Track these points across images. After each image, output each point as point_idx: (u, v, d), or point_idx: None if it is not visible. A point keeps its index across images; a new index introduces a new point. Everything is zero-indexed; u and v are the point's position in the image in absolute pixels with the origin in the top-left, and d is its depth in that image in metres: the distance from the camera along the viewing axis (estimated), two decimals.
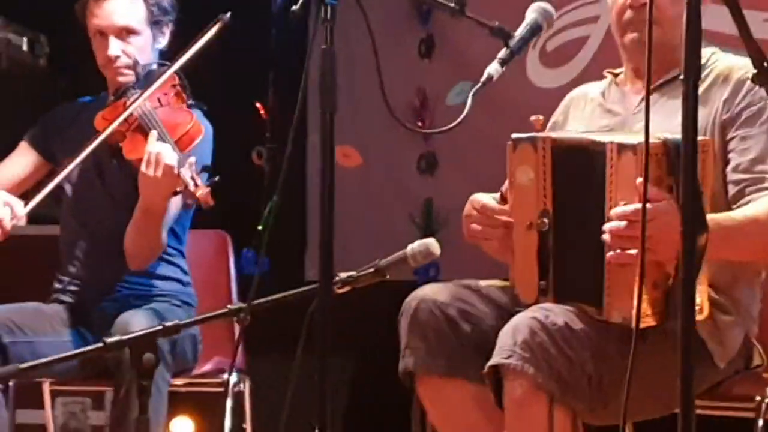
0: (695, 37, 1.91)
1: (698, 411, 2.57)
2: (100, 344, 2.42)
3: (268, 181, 4.97)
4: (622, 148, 2.37)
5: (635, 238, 2.28)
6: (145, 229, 3.31)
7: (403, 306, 2.63)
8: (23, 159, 3.57)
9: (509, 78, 4.88)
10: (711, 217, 2.24)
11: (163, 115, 3.30)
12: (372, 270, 2.60)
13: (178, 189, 3.07)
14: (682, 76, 1.90)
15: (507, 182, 2.66)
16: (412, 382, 2.61)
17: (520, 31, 2.66)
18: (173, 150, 3.14)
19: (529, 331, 2.38)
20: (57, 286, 3.53)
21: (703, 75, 2.70)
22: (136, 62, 3.43)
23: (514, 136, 2.62)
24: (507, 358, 2.38)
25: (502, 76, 4.96)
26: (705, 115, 2.62)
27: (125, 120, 3.29)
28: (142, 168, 3.13)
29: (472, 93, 2.58)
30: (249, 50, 4.78)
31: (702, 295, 2.37)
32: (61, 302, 3.50)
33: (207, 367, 3.52)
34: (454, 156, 4.87)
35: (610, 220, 2.38)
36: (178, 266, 3.51)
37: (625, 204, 2.35)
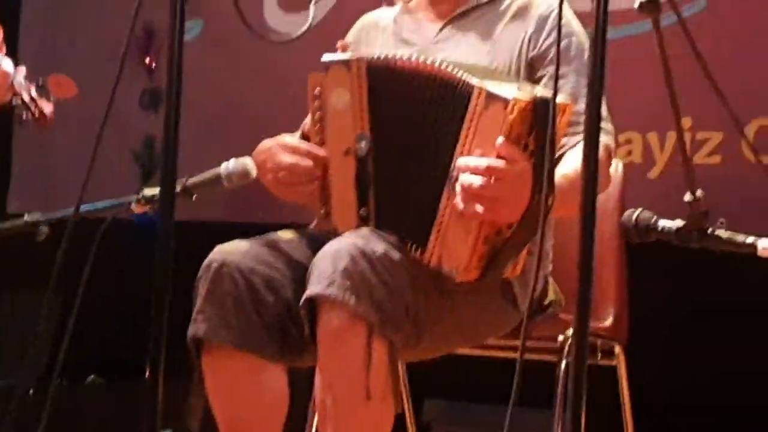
0: None
1: (501, 354, 2.61)
2: None
3: None
4: (492, 98, 2.23)
5: (485, 198, 2.20)
6: None
7: (204, 266, 2.41)
8: None
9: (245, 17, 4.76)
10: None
11: None
12: (179, 188, 2.42)
13: (14, 102, 2.87)
14: None
15: (308, 118, 2.52)
16: (198, 349, 2.41)
17: None
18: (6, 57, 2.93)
19: (350, 258, 2.23)
20: None
21: (502, 8, 2.64)
22: None
23: (325, 58, 2.45)
24: (328, 286, 2.22)
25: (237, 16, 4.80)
26: (508, 50, 2.58)
27: None
28: None
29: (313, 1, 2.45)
30: None
31: (522, 256, 2.35)
32: None
33: None
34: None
35: (461, 167, 2.24)
36: None
37: (480, 154, 2.22)
